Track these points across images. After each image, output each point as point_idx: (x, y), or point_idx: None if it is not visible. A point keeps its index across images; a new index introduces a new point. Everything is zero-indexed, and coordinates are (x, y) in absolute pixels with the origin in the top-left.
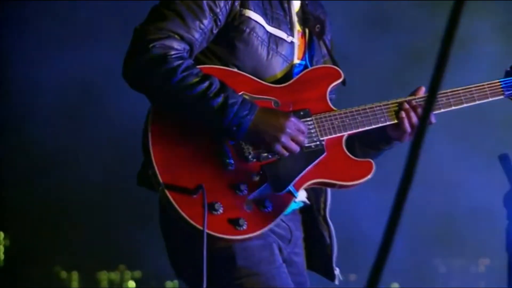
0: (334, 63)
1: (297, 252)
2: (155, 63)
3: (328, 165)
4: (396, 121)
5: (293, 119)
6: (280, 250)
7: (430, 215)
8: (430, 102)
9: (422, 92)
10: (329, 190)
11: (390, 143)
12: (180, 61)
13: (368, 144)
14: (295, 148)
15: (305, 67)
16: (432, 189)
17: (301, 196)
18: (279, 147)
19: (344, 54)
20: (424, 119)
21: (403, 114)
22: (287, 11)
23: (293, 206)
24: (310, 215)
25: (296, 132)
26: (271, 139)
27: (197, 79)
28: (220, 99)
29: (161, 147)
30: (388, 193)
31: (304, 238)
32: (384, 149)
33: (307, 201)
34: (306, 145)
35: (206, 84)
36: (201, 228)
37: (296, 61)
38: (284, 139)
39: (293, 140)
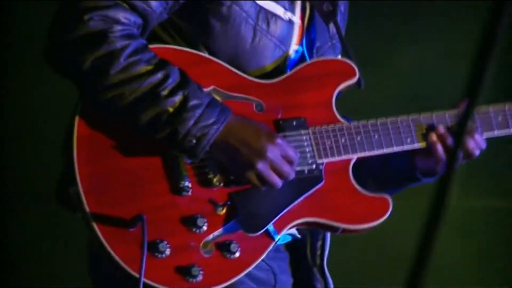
0: (347, 53)
1: None
2: (91, 43)
3: (327, 199)
4: (425, 144)
5: (279, 140)
6: None
7: None
8: (466, 115)
9: None
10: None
11: (416, 178)
12: (127, 42)
13: (385, 177)
14: (276, 182)
15: (302, 56)
16: None
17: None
18: (251, 176)
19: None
20: (458, 138)
21: (434, 137)
22: None
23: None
24: (302, 258)
25: (281, 161)
26: (243, 163)
27: (148, 68)
28: (177, 98)
29: (90, 158)
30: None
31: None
32: (406, 186)
33: (297, 235)
34: (297, 169)
35: (160, 75)
36: (136, 275)
37: (293, 48)
38: (262, 166)
39: (274, 170)
